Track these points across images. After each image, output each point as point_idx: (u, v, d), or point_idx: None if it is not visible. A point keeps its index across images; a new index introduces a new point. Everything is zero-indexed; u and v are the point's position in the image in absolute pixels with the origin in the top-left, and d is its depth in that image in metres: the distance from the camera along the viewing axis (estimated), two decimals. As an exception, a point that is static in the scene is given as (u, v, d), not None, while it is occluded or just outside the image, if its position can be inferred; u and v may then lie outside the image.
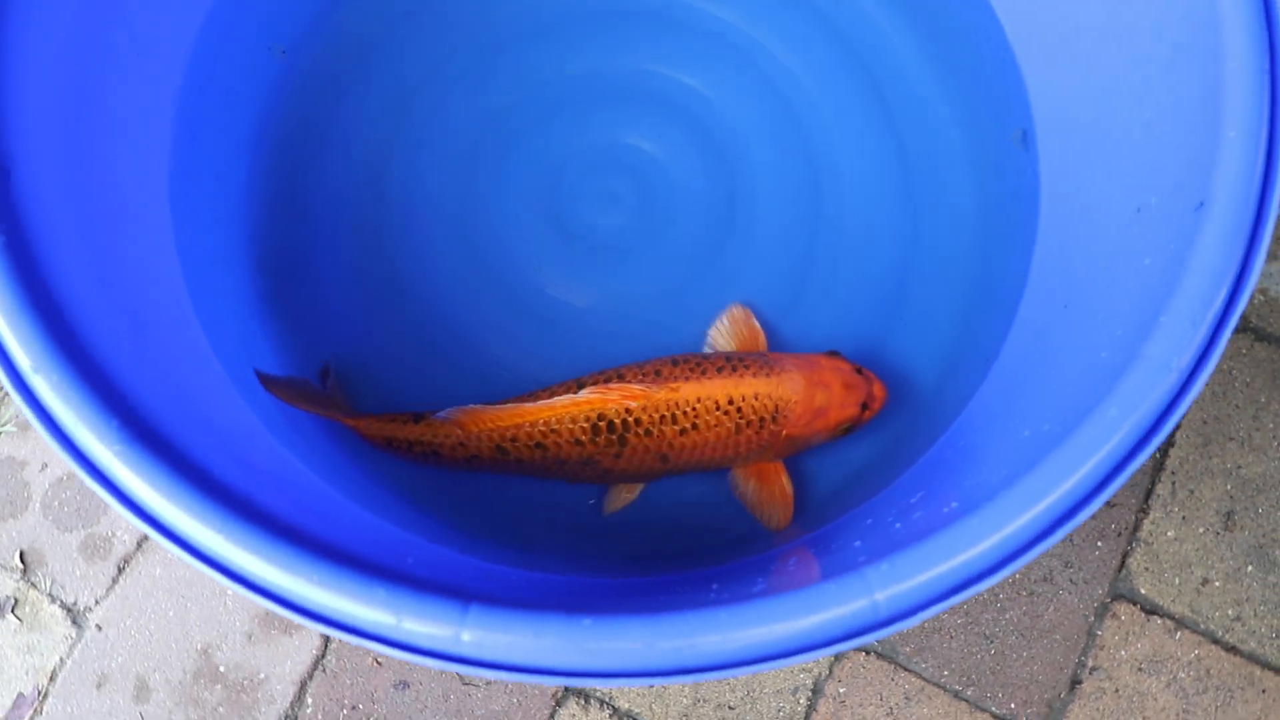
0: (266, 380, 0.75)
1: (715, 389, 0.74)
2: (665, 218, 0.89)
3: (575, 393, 0.74)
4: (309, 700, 0.87)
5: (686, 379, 0.74)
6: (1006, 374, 0.73)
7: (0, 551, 0.90)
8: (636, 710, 0.86)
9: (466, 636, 0.48)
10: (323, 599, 0.48)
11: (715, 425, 0.74)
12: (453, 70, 0.90)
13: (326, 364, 0.82)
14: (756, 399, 0.74)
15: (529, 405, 0.75)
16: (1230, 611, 0.88)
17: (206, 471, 0.52)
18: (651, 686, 0.79)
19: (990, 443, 0.64)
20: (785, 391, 0.75)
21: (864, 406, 0.76)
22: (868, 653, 0.87)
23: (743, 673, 0.48)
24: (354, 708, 0.87)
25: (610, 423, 0.74)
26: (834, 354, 0.79)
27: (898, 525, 0.59)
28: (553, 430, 0.75)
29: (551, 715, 0.86)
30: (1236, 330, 0.92)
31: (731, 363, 0.76)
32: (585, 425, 0.74)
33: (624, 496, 0.80)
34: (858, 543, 0.59)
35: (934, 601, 0.48)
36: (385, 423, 0.78)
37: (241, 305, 0.80)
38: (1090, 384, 0.56)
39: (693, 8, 0.92)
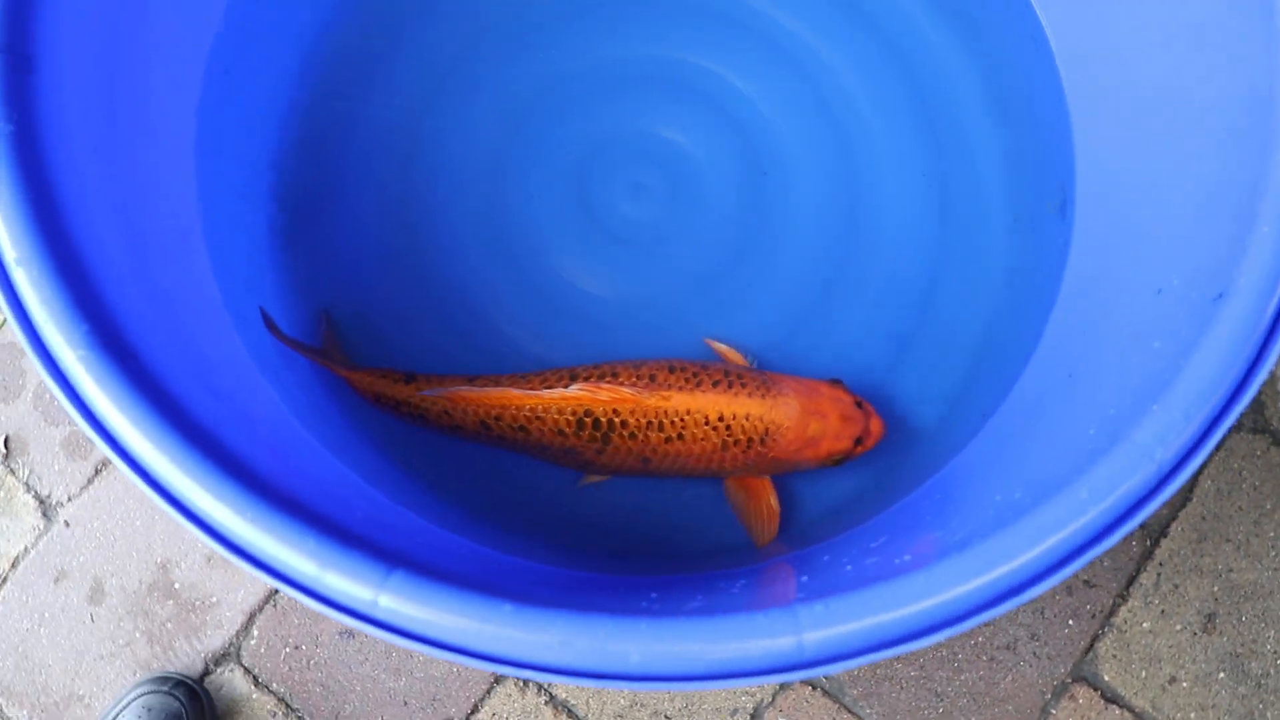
0: (270, 319, 0.76)
1: (707, 403, 0.72)
2: (692, 215, 0.88)
3: (567, 383, 0.74)
4: (255, 632, 0.87)
5: (680, 389, 0.73)
6: (998, 433, 0.71)
7: (-13, 433, 0.92)
8: (573, 703, 0.85)
9: (384, 601, 0.47)
10: (251, 537, 0.48)
11: (701, 439, 0.72)
12: (488, 46, 0.89)
13: (325, 312, 0.82)
14: (748, 419, 0.72)
15: (515, 391, 0.74)
16: (1194, 715, 0.85)
17: (169, 392, 0.52)
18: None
19: (963, 501, 0.63)
20: (778, 415, 0.73)
21: (858, 441, 0.75)
22: (814, 688, 0.85)
23: (659, 688, 0.47)
24: (297, 648, 0.87)
25: (596, 420, 0.73)
26: (836, 383, 0.77)
27: (849, 567, 0.57)
28: (537, 417, 0.74)
29: (489, 691, 0.86)
30: (1255, 431, 0.89)
31: (729, 378, 0.74)
32: (570, 418, 0.73)
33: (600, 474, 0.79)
34: (805, 577, 0.57)
35: (863, 652, 0.47)
36: (377, 378, 0.78)
37: (253, 236, 0.80)
38: (1072, 459, 0.54)
39: (751, 8, 0.90)
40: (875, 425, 0.75)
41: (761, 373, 0.77)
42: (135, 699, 0.82)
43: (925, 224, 0.87)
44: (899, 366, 0.85)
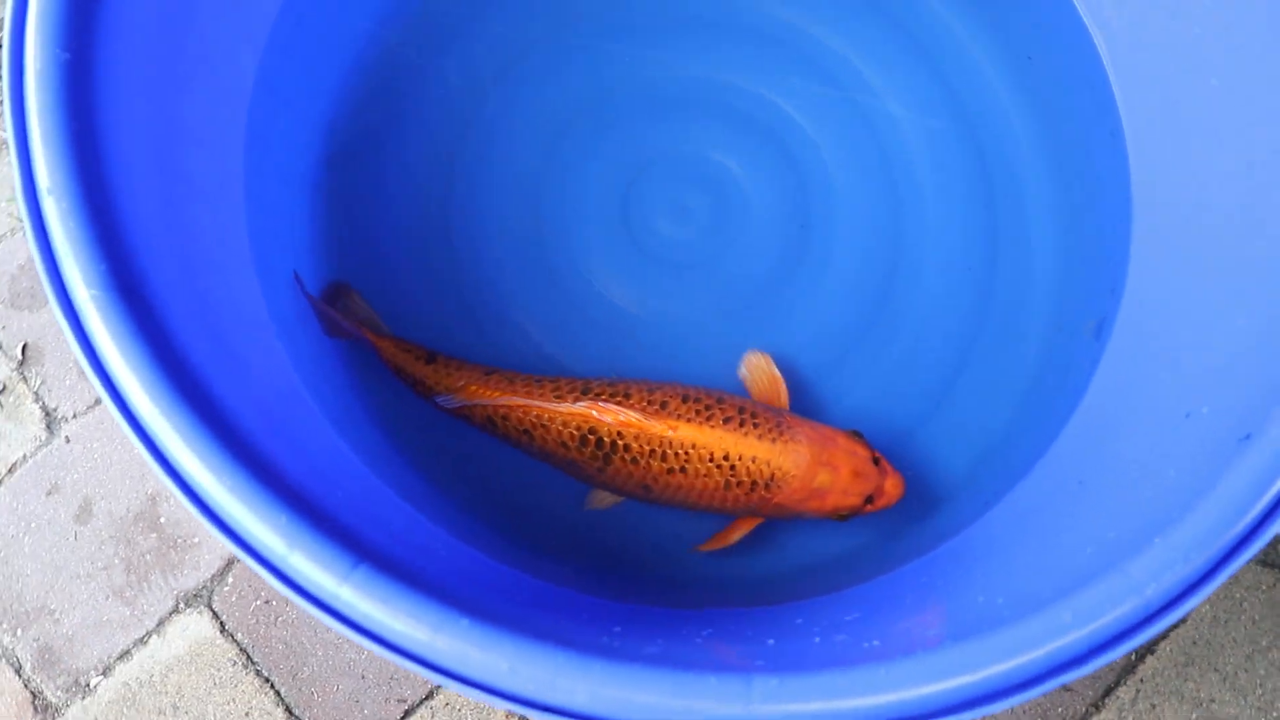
0: (302, 282, 0.76)
1: (714, 440, 0.71)
2: (734, 241, 0.87)
3: (578, 396, 0.73)
4: (230, 580, 0.88)
5: (688, 420, 0.71)
6: (992, 530, 0.70)
7: (7, 338, 0.93)
8: (528, 708, 0.85)
9: (345, 593, 0.47)
10: (227, 506, 0.48)
11: (704, 475, 0.71)
12: (539, 56, 0.88)
13: (348, 284, 0.82)
14: (754, 462, 0.71)
15: (522, 396, 0.73)
16: (1148, 840, 0.83)
17: (173, 342, 0.52)
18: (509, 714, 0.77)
19: (945, 593, 0.61)
20: (787, 463, 0.71)
21: (868, 499, 0.72)
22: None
23: (598, 730, 0.47)
24: (268, 602, 0.87)
25: (600, 439, 0.72)
26: (855, 434, 0.74)
27: (817, 639, 0.56)
28: (543, 425, 0.73)
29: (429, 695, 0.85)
30: (1264, 565, 0.87)
31: (742, 415, 0.72)
32: (575, 433, 0.72)
33: (605, 499, 0.78)
34: (772, 640, 0.56)
35: (811, 735, 0.46)
36: (400, 350, 0.78)
37: (292, 214, 0.80)
38: (1062, 575, 0.53)
39: (802, 32, 0.88)
40: (891, 485, 0.72)
41: (780, 414, 0.75)
42: None
43: (963, 301, 0.85)
44: (926, 424, 0.83)
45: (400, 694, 0.86)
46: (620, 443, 0.71)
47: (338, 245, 0.83)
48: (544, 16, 0.88)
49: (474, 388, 0.75)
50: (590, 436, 0.72)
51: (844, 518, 0.73)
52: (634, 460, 0.71)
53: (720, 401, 0.73)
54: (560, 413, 0.72)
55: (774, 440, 0.71)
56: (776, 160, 0.87)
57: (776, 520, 0.78)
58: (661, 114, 0.88)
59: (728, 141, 0.87)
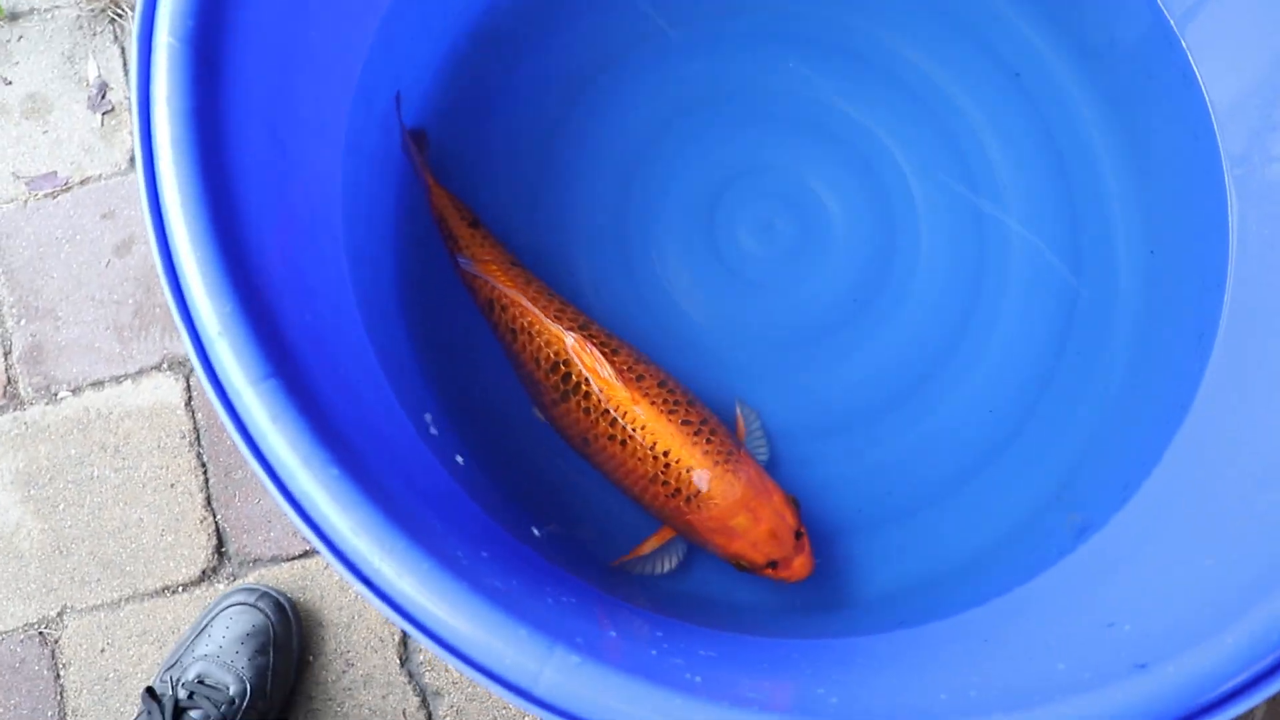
0: (399, 104, 0.80)
1: (663, 432, 0.71)
2: (812, 269, 0.86)
3: (575, 326, 0.73)
4: (214, 363, 0.92)
5: (652, 403, 0.71)
6: (983, 625, 0.69)
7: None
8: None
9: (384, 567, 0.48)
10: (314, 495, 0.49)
11: (639, 458, 0.71)
12: (639, 58, 0.89)
13: (427, 134, 0.84)
14: (688, 471, 0.70)
15: (527, 298, 0.74)
16: None
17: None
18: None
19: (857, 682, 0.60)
20: (717, 488, 0.70)
21: (772, 564, 0.71)
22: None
23: (400, 621, 0.48)
24: (236, 399, 0.91)
25: (568, 374, 0.72)
26: (793, 501, 0.73)
27: (654, 653, 0.56)
28: (528, 333, 0.74)
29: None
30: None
31: (702, 426, 0.72)
32: (550, 355, 0.73)
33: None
34: (613, 633, 0.56)
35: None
36: (453, 204, 0.80)
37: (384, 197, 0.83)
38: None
39: (924, 76, 0.88)
40: (799, 564, 0.71)
41: (737, 446, 0.74)
42: (223, 610, 0.85)
43: (1046, 337, 0.84)
44: (934, 505, 0.81)
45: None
46: (584, 388, 0.72)
47: (424, 272, 0.84)
48: (655, 13, 0.89)
49: (494, 267, 0.77)
50: (562, 367, 0.72)
51: (741, 568, 0.72)
52: (586, 410, 0.72)
53: (690, 404, 0.73)
54: (549, 330, 0.73)
55: (716, 463, 0.71)
56: (871, 197, 0.86)
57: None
58: (770, 127, 0.87)
59: (828, 169, 0.86)
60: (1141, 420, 0.81)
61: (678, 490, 0.71)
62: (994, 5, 0.91)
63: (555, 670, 0.46)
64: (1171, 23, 0.85)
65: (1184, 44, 0.85)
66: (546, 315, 0.74)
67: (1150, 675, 0.48)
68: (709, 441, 0.71)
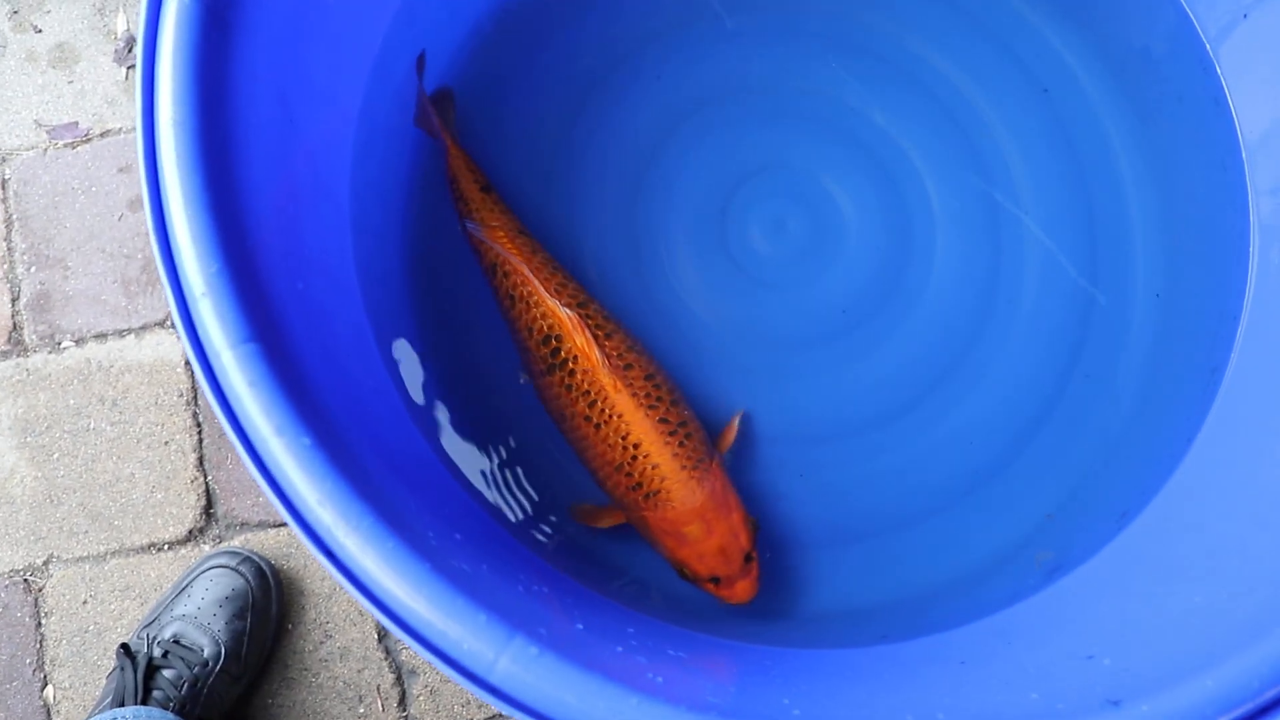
0: (421, 65, 0.79)
1: (638, 424, 0.70)
2: (822, 270, 0.85)
3: (573, 304, 0.73)
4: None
5: (633, 394, 0.70)
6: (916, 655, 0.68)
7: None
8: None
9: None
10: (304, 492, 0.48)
11: (609, 445, 0.70)
12: (659, 49, 0.87)
13: (453, 92, 0.84)
14: (654, 468, 0.69)
15: (529, 268, 0.74)
16: None
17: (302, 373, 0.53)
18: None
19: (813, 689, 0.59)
20: (677, 491, 0.70)
21: (714, 579, 0.70)
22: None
23: (349, 585, 0.47)
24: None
25: (556, 349, 0.72)
26: (754, 524, 0.72)
27: (619, 649, 0.55)
28: (525, 302, 0.73)
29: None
30: None
31: (679, 428, 0.71)
32: (543, 327, 0.72)
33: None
34: (580, 626, 0.56)
35: (539, 716, 0.46)
36: (467, 167, 0.79)
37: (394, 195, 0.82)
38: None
39: (941, 77, 0.87)
40: (741, 588, 0.70)
41: (710, 455, 0.73)
42: (204, 571, 0.85)
43: (1058, 355, 0.83)
44: (928, 519, 0.80)
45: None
46: (569, 365, 0.71)
47: (431, 245, 0.84)
48: (672, 7, 0.88)
49: (501, 234, 0.76)
50: (552, 340, 0.72)
51: (684, 576, 0.71)
52: (568, 387, 0.71)
53: (673, 403, 0.72)
54: (545, 302, 0.72)
55: (684, 466, 0.70)
56: (888, 204, 0.84)
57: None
58: (789, 125, 0.86)
59: (846, 171, 0.85)
60: (1145, 448, 0.79)
61: (639, 484, 0.70)
62: (1026, 17, 0.89)
63: (511, 660, 0.45)
64: (1208, 48, 0.83)
65: (1219, 70, 0.83)
66: (547, 289, 0.73)
67: (1122, 713, 0.47)
68: (681, 445, 0.71)
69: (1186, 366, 0.80)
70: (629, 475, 0.70)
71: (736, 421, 0.78)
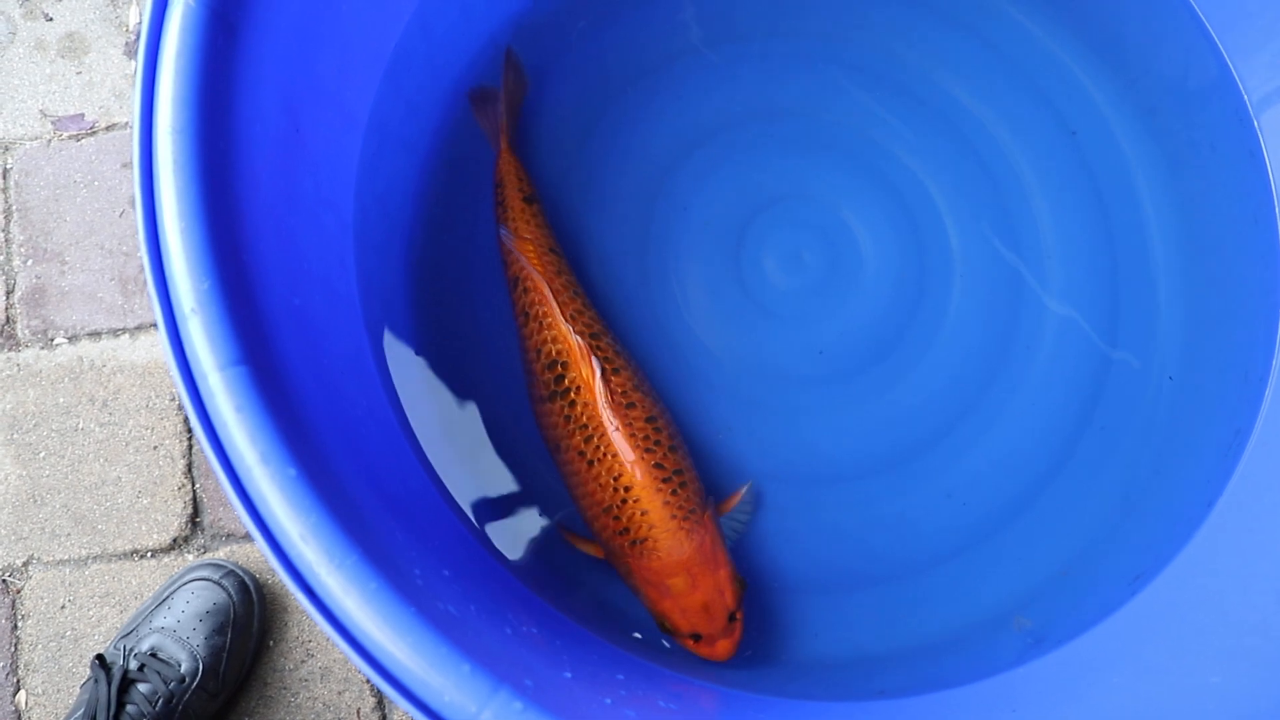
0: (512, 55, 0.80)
1: (632, 469, 0.67)
2: (836, 307, 0.82)
3: (586, 333, 0.70)
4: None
5: (631, 436, 0.68)
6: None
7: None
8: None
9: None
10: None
11: (600, 484, 0.68)
12: (679, 68, 0.86)
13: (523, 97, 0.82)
14: (643, 515, 0.67)
15: (548, 287, 0.72)
16: None
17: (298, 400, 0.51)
18: None
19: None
20: (664, 541, 0.67)
21: (695, 637, 0.67)
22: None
23: (328, 627, 0.45)
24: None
25: (560, 376, 0.70)
26: (741, 584, 0.69)
27: (608, 701, 0.52)
28: (538, 321, 0.71)
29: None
30: None
31: (675, 476, 0.68)
32: (551, 351, 0.70)
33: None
34: (568, 674, 0.53)
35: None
36: (515, 174, 0.78)
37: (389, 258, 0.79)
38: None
39: (966, 113, 0.85)
40: (721, 646, 0.67)
41: (705, 509, 0.70)
42: (186, 583, 0.83)
43: (1078, 394, 0.81)
44: (930, 570, 0.77)
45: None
46: (571, 395, 0.69)
47: (438, 259, 0.82)
48: (697, 26, 0.86)
49: (531, 248, 0.74)
50: (558, 366, 0.70)
51: (663, 629, 0.68)
52: (567, 418, 0.69)
53: (671, 449, 0.70)
54: (558, 327, 0.70)
55: (674, 516, 0.67)
56: (906, 243, 0.82)
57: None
58: (811, 156, 0.84)
59: (866, 206, 0.83)
60: (1162, 509, 0.77)
61: (626, 529, 0.67)
62: (1056, 56, 0.87)
63: (494, 715, 0.43)
64: (1246, 99, 0.81)
65: (1256, 122, 0.80)
66: (562, 313, 0.71)
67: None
68: (674, 493, 0.68)
69: (1208, 427, 0.77)
70: (617, 519, 0.67)
71: (744, 492, 0.75)
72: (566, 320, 0.71)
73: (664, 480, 0.68)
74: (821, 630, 0.73)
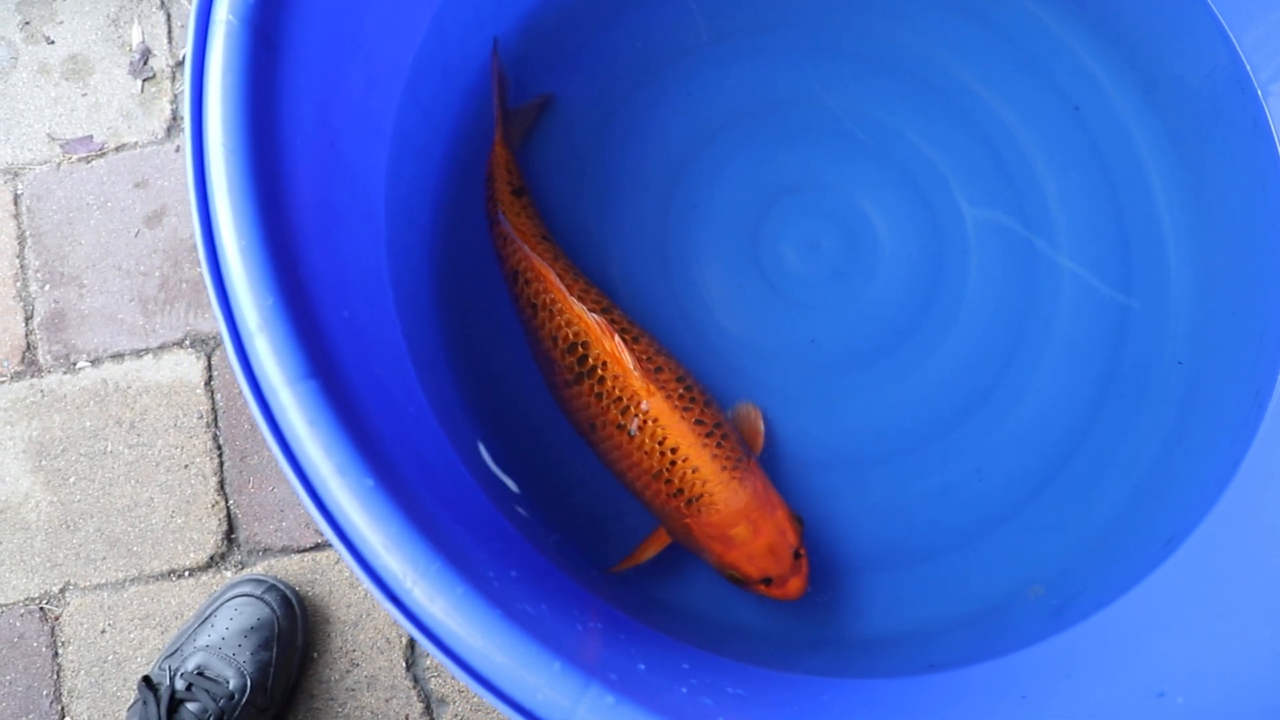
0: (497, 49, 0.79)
1: (675, 428, 0.68)
2: (856, 291, 0.84)
3: (599, 309, 0.71)
4: (238, 345, 0.90)
5: (667, 397, 0.68)
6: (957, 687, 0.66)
7: (182, 37, 0.96)
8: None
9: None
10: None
11: (645, 452, 0.68)
12: (692, 61, 0.87)
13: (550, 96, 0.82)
14: (694, 471, 0.68)
15: (553, 272, 0.72)
16: None
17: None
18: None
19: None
20: (721, 494, 0.68)
21: (766, 580, 0.68)
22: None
23: (429, 645, 0.45)
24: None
25: (585, 356, 0.70)
26: (798, 520, 0.70)
27: (684, 690, 0.53)
28: (549, 310, 0.71)
29: (365, 540, 0.86)
30: None
31: (716, 429, 0.69)
32: (569, 335, 0.70)
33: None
34: (642, 666, 0.54)
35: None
36: (507, 167, 0.78)
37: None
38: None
39: (970, 93, 0.86)
40: (794, 584, 0.68)
41: (748, 455, 0.71)
42: (228, 599, 0.83)
43: (1091, 373, 0.82)
44: (968, 545, 0.78)
45: (319, 527, 0.86)
46: (599, 372, 0.69)
47: (459, 262, 0.82)
48: (702, 22, 0.87)
49: (527, 237, 0.75)
50: (579, 348, 0.70)
51: (734, 581, 0.69)
52: (598, 395, 0.69)
53: (706, 404, 0.71)
54: (571, 309, 0.70)
55: (724, 468, 0.68)
56: (921, 224, 0.84)
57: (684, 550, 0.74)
58: (826, 144, 0.85)
59: (882, 193, 0.84)
60: (1189, 471, 0.79)
61: (680, 490, 0.68)
62: (1056, 33, 0.89)
63: (589, 710, 0.44)
64: (1247, 67, 0.83)
65: (1256, 86, 0.82)
66: (571, 294, 0.71)
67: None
68: (719, 445, 0.69)
69: (1229, 390, 0.79)
70: (669, 482, 0.68)
71: (760, 422, 0.76)
72: (577, 301, 0.71)
73: (707, 435, 0.69)
74: (876, 608, 0.75)
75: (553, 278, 0.72)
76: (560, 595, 0.61)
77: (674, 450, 0.68)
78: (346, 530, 0.46)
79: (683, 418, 0.69)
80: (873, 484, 0.79)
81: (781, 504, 0.70)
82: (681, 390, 0.70)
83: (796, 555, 0.69)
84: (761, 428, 0.76)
